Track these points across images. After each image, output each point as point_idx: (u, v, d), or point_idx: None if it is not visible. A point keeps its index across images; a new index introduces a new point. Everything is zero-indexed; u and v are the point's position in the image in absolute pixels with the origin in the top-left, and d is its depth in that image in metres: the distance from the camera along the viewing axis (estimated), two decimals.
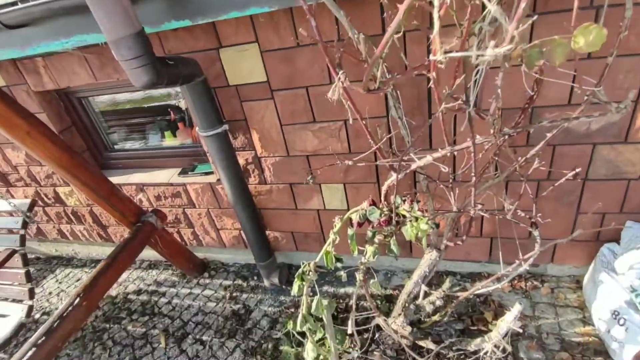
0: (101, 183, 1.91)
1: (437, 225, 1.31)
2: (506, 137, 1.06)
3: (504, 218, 1.31)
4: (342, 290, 2.36)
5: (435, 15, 0.71)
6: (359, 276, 1.49)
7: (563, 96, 1.49)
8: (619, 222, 1.75)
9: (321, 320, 1.53)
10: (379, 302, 2.15)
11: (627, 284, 1.56)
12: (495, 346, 1.45)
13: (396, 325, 1.74)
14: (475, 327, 1.93)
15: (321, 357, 1.75)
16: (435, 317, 1.57)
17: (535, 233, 1.27)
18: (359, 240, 1.41)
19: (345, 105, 1.12)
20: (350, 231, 1.41)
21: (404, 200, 1.35)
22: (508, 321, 1.32)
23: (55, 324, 1.61)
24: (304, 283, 1.49)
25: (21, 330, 2.04)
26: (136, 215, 2.17)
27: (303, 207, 2.20)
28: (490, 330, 1.92)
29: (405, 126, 1.38)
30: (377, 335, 1.91)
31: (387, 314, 2.07)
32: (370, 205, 1.37)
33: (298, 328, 1.49)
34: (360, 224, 1.41)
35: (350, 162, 1.28)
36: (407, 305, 1.80)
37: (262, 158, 2.06)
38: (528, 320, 1.91)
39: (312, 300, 1.50)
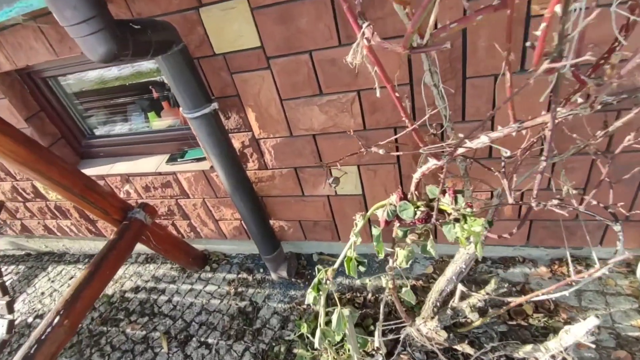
0: (72, 179, 1.63)
1: (491, 223, 1.03)
2: (599, 107, 0.76)
3: (564, 204, 1.03)
4: (358, 282, 2.12)
5: None
6: (387, 283, 1.23)
7: None
8: None
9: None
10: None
11: None
12: (552, 357, 1.22)
13: (427, 329, 1.51)
14: (515, 322, 1.69)
15: None
16: (477, 322, 1.33)
17: (617, 228, 1.00)
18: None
19: (372, 72, 0.82)
20: (375, 231, 1.14)
21: (444, 192, 1.07)
22: (577, 334, 1.06)
23: (33, 349, 1.38)
24: (320, 294, 1.23)
25: (4, 347, 1.83)
26: (121, 212, 1.89)
27: (311, 193, 1.92)
28: (532, 325, 1.69)
29: (443, 95, 1.07)
30: (403, 336, 1.69)
31: (412, 309, 1.84)
32: (401, 199, 1.09)
33: (317, 345, 1.25)
34: (387, 222, 1.13)
35: (379, 150, 0.98)
36: (438, 304, 1.56)
37: (261, 140, 1.76)
38: (574, 311, 1.68)
39: (330, 313, 1.25)
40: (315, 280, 1.21)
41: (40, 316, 2.64)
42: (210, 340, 2.07)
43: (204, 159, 1.97)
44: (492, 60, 1.29)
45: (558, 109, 0.79)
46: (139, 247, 2.08)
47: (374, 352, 1.70)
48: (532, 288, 1.82)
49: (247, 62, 1.51)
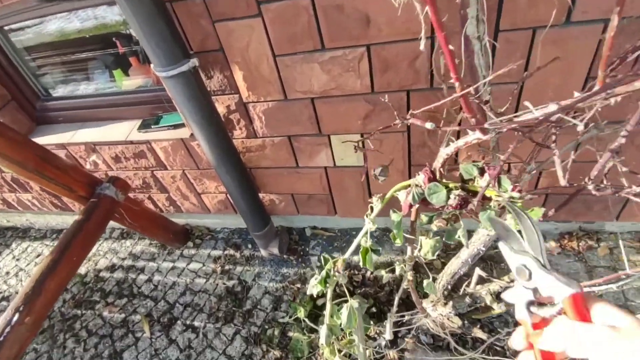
0: (24, 151, 1.36)
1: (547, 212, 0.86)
2: None
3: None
4: (356, 258, 1.98)
5: None
6: (407, 274, 1.07)
7: None
8: None
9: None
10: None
11: None
12: None
13: (437, 314, 1.39)
14: None
15: (344, 355, 1.41)
16: (497, 310, 1.21)
17: None
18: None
19: (420, 14, 0.60)
20: (395, 216, 0.96)
21: (482, 171, 0.89)
22: None
23: None
24: (327, 286, 1.06)
25: None
26: (88, 187, 1.64)
27: (306, 164, 1.71)
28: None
29: (486, 51, 0.85)
30: (416, 326, 1.57)
31: (415, 288, 1.72)
32: (429, 179, 0.90)
33: (323, 343, 1.10)
34: (411, 206, 0.95)
35: (427, 124, 0.76)
36: (449, 287, 1.43)
37: (250, 104, 1.51)
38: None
39: (338, 308, 1.09)
40: (323, 272, 1.03)
41: (7, 298, 2.41)
42: (196, 324, 1.92)
43: (182, 125, 1.71)
44: (534, 9, 1.07)
45: None
46: (114, 222, 1.86)
47: (376, 336, 1.59)
48: None
49: (233, 7, 1.23)
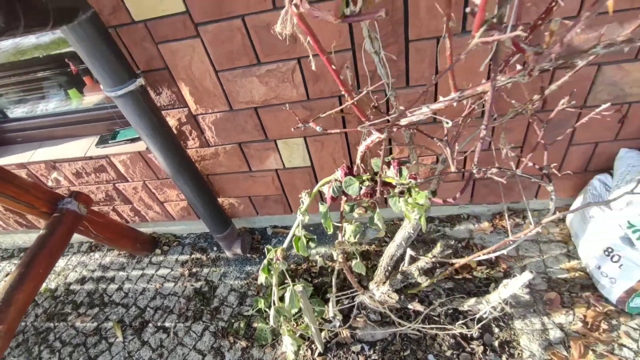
0: None
1: (434, 193, 1.04)
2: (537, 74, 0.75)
3: (503, 169, 1.06)
4: (314, 252, 2.14)
5: None
6: (338, 257, 1.23)
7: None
8: (612, 150, 1.58)
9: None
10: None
11: (623, 220, 1.44)
12: (492, 307, 1.30)
13: (380, 293, 1.56)
14: (461, 276, 1.80)
15: (301, 336, 1.56)
16: (425, 283, 1.39)
17: (550, 188, 1.04)
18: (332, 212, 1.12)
19: (304, 43, 0.75)
20: (322, 208, 1.12)
21: (388, 164, 1.05)
22: (513, 288, 1.14)
23: None
24: (271, 274, 1.21)
25: None
26: (50, 204, 1.72)
27: (259, 168, 1.85)
28: (475, 277, 1.81)
29: (384, 63, 1.02)
30: (358, 300, 1.74)
31: (366, 274, 1.89)
32: (346, 174, 1.06)
33: (272, 324, 1.25)
34: (334, 199, 1.11)
35: (315, 126, 0.93)
36: (389, 269, 1.60)
37: (199, 116, 1.64)
38: (512, 261, 1.81)
39: (283, 291, 1.24)
40: (265, 261, 1.18)
41: None
42: (167, 324, 2.02)
43: (139, 139, 1.82)
44: (435, 21, 1.25)
45: (500, 77, 0.77)
46: (81, 236, 1.93)
47: (331, 319, 1.75)
48: (475, 243, 1.93)
49: (173, 30, 1.35)
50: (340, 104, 1.51)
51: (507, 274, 1.76)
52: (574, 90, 0.97)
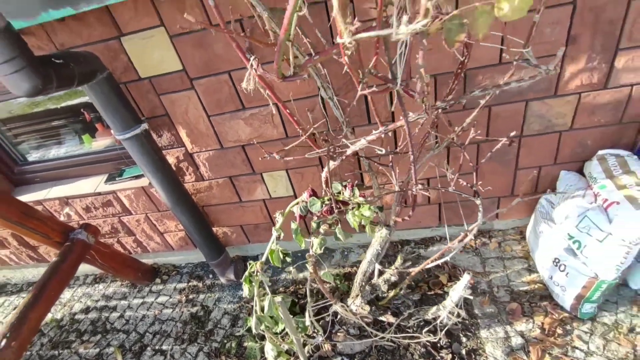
0: (8, 207, 1.67)
1: (381, 209, 1.26)
2: (439, 111, 1.00)
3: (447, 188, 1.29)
4: (301, 275, 2.32)
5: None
6: (309, 267, 1.43)
7: (494, 56, 1.46)
8: (554, 173, 1.81)
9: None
10: (338, 282, 2.13)
11: (564, 232, 1.63)
12: (450, 312, 1.47)
13: (355, 306, 1.73)
14: (433, 292, 1.97)
15: (285, 348, 1.71)
16: (392, 294, 1.57)
17: (478, 202, 1.26)
18: (309, 229, 1.33)
19: (264, 95, 1.01)
20: (293, 225, 1.33)
21: (345, 186, 1.28)
22: (459, 290, 1.32)
23: None
24: (253, 285, 1.40)
25: None
26: (63, 234, 1.94)
27: (248, 199, 2.08)
28: (446, 293, 1.97)
29: (337, 106, 1.28)
30: (338, 317, 1.90)
31: (347, 292, 2.06)
32: (310, 195, 1.29)
33: (254, 330, 1.42)
34: (302, 217, 1.33)
35: (276, 156, 1.17)
36: (363, 284, 1.78)
37: (195, 154, 1.89)
38: (480, 276, 1.98)
39: (264, 300, 1.43)
40: (246, 272, 1.38)
41: None
42: (164, 347, 2.16)
43: (142, 175, 2.07)
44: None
45: (410, 113, 1.02)
46: (87, 268, 2.13)
47: (314, 334, 1.90)
48: (446, 262, 2.11)
49: (172, 84, 1.64)
50: (315, 140, 1.77)
51: (474, 289, 1.93)
52: (475, 125, 1.22)
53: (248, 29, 1.44)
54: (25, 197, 2.20)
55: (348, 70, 0.79)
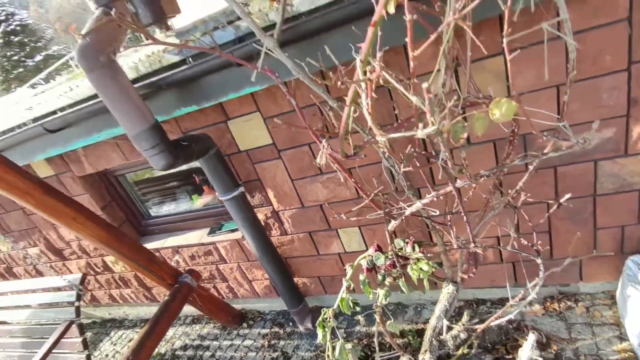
0: (138, 253, 2.12)
1: (440, 264, 1.36)
2: (484, 177, 1.14)
3: (512, 247, 1.35)
4: (373, 329, 2.39)
5: (365, 113, 0.83)
6: (376, 318, 1.55)
7: (553, 120, 1.54)
8: (639, 233, 1.71)
9: None
10: (410, 337, 2.16)
11: None
12: None
13: None
14: (511, 356, 1.89)
15: None
16: (460, 351, 1.59)
17: (538, 260, 1.30)
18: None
19: (334, 168, 1.25)
20: (361, 277, 1.50)
21: (406, 243, 1.43)
22: (526, 351, 1.32)
23: None
24: (326, 330, 1.57)
25: None
26: (173, 277, 2.35)
27: (325, 252, 2.30)
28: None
29: (398, 172, 1.48)
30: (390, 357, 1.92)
31: (419, 349, 2.08)
32: (376, 250, 1.46)
33: None
34: (369, 270, 1.49)
35: (343, 216, 1.39)
36: (432, 340, 1.81)
37: (280, 212, 2.20)
38: (565, 343, 1.86)
39: (335, 345, 1.57)
40: (320, 318, 1.55)
41: None
42: None
43: (237, 229, 2.44)
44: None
45: (459, 181, 1.17)
46: (187, 310, 2.49)
47: None
48: (527, 324, 2.02)
49: (264, 154, 2.01)
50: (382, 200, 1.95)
51: (558, 356, 1.82)
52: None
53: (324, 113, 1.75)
54: (148, 246, 2.71)
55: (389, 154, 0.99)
